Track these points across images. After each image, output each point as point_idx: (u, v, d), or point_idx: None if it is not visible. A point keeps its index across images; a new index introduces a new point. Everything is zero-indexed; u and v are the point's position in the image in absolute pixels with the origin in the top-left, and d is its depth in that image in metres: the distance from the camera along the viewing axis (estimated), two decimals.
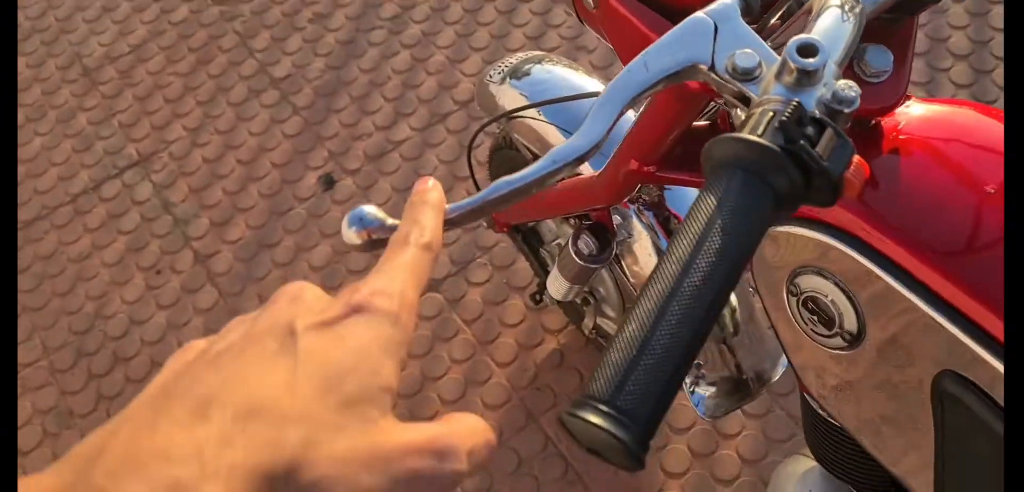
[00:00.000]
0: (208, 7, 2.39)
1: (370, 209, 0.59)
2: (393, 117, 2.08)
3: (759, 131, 0.51)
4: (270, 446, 0.33)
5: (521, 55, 1.37)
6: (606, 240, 1.19)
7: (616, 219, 1.21)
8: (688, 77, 0.62)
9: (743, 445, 1.57)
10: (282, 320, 0.38)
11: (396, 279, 0.41)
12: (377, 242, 0.58)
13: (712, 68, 0.60)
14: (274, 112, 2.13)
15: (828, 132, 0.51)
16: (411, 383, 1.69)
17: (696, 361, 1.32)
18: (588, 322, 1.53)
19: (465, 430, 0.38)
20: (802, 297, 0.82)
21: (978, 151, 0.75)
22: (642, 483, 1.56)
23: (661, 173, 0.96)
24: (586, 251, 1.20)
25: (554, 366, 1.70)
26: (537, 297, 1.47)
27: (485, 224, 1.37)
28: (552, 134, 1.27)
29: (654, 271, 0.49)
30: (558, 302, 1.38)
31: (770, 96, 0.54)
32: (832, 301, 0.79)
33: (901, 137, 0.77)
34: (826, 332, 0.81)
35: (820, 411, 0.99)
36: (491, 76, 1.36)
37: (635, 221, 1.22)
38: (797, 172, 0.50)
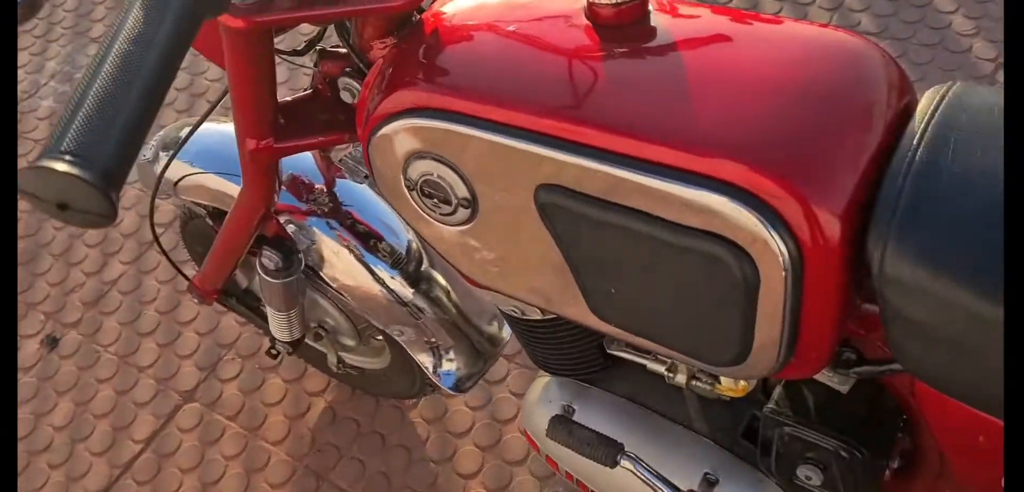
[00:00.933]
0: None
1: None
2: (102, 260, 2.00)
3: None
4: None
5: (166, 128, 1.38)
6: (288, 248, 1.20)
7: (292, 229, 1.22)
8: None
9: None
10: None
11: None
12: None
13: None
14: None
15: None
16: None
17: (435, 343, 1.34)
18: (332, 359, 1.52)
19: None
20: (419, 185, 0.86)
21: (499, 11, 0.84)
22: None
23: (280, 144, 0.98)
24: (273, 265, 1.20)
25: (329, 423, 1.67)
26: (272, 350, 1.44)
27: (195, 300, 1.34)
28: (216, 182, 1.27)
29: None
30: (291, 346, 1.36)
31: None
32: (439, 176, 0.84)
33: (439, 22, 0.86)
34: (449, 209, 0.86)
35: (517, 318, 1.03)
36: (146, 156, 1.35)
37: (314, 229, 1.24)
38: None
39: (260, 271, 1.22)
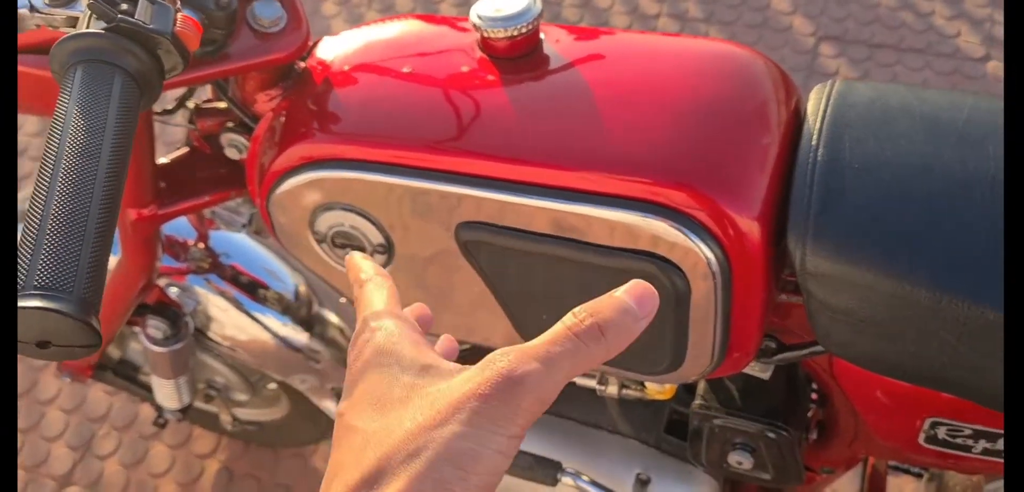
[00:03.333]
0: None
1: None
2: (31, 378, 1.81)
3: (85, 26, 0.55)
4: None
5: (21, 198, 1.25)
6: (174, 314, 1.12)
7: (173, 292, 1.15)
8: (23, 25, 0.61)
9: None
10: None
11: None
12: None
13: (32, 9, 0.61)
14: None
15: (141, 2, 0.55)
16: None
17: (340, 388, 1.29)
18: (226, 419, 1.44)
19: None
20: (329, 237, 0.82)
21: (388, 51, 0.82)
22: None
23: (163, 210, 0.92)
24: (160, 335, 1.12)
25: (226, 484, 1.59)
26: (159, 420, 1.35)
27: (67, 379, 1.24)
28: None
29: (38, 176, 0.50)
30: (181, 412, 1.28)
31: None
32: (351, 226, 0.81)
33: (327, 70, 0.83)
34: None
35: None
36: None
37: (196, 288, 1.17)
38: (130, 42, 0.54)
39: (146, 341, 1.14)
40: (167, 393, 1.23)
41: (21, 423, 1.69)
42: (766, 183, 0.72)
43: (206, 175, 0.94)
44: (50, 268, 0.46)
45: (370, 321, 0.43)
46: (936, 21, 2.12)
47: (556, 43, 0.79)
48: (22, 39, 0.76)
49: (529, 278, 0.78)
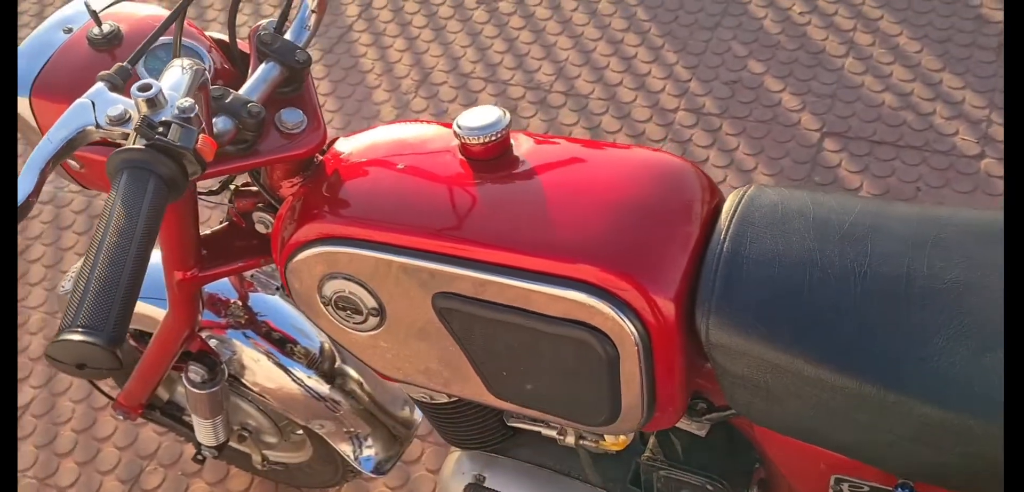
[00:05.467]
0: None
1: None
2: (90, 417, 2.04)
3: (131, 143, 0.77)
4: None
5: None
6: (211, 361, 1.31)
7: (213, 343, 1.34)
8: (85, 140, 0.83)
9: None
10: None
11: None
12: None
13: (97, 126, 0.82)
14: None
15: (173, 126, 0.77)
16: None
17: (354, 433, 1.46)
18: (256, 458, 1.62)
19: None
20: (333, 301, 1.00)
21: (389, 150, 1.02)
22: None
23: (204, 273, 1.11)
24: (199, 379, 1.31)
25: None
26: (198, 456, 1.54)
27: (120, 417, 1.44)
28: (138, 306, 1.38)
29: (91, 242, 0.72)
30: (217, 449, 1.47)
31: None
32: (350, 292, 0.99)
33: (338, 164, 1.02)
34: (361, 319, 1.00)
35: (426, 403, 1.18)
36: (64, 287, 1.45)
37: (233, 341, 1.36)
38: (161, 155, 0.75)
39: (186, 384, 1.33)
40: (205, 431, 1.42)
41: (79, 457, 1.89)
42: (682, 270, 0.88)
43: (241, 245, 1.14)
44: (91, 312, 0.68)
45: None
46: (936, 120, 2.25)
47: (522, 149, 0.97)
48: (85, 153, 0.98)
49: (492, 340, 0.95)
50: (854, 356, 0.81)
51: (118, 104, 0.81)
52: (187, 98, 0.79)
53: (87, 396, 1.98)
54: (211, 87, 0.93)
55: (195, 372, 1.30)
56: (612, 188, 0.92)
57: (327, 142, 1.04)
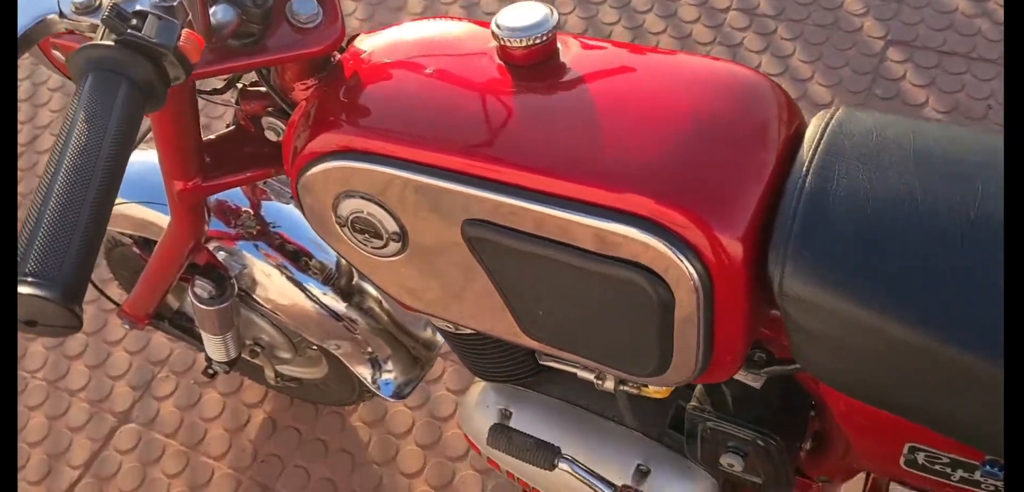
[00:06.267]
0: None
1: None
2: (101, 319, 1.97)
3: (99, 38, 0.61)
4: None
5: None
6: (220, 276, 1.21)
7: (222, 255, 1.24)
8: (47, 31, 0.69)
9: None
10: None
11: None
12: None
13: (61, 14, 0.68)
14: None
15: (150, 18, 0.62)
16: None
17: (372, 354, 1.37)
18: (270, 373, 1.54)
19: None
20: (350, 221, 0.89)
21: (416, 51, 0.87)
22: None
23: (206, 183, 1.00)
24: (206, 294, 1.21)
25: (269, 434, 1.69)
26: (209, 370, 1.46)
27: (127, 326, 1.35)
28: (141, 211, 1.27)
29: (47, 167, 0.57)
30: (228, 364, 1.38)
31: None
32: (369, 213, 0.87)
33: (359, 66, 0.88)
34: (380, 243, 0.89)
35: (450, 333, 1.07)
36: None
37: (244, 253, 1.25)
38: (136, 55, 0.60)
39: (193, 299, 1.23)
40: (215, 347, 1.32)
41: (90, 360, 1.83)
42: (754, 204, 0.75)
43: (249, 152, 1.02)
44: (41, 256, 0.53)
45: None
46: None
47: (570, 55, 0.84)
48: (56, 41, 0.85)
49: (527, 276, 0.83)
50: (953, 320, 0.68)
51: None
52: None
53: (96, 299, 1.90)
54: None
55: (202, 287, 1.20)
56: (673, 104, 0.78)
57: (346, 38, 0.91)
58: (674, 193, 0.74)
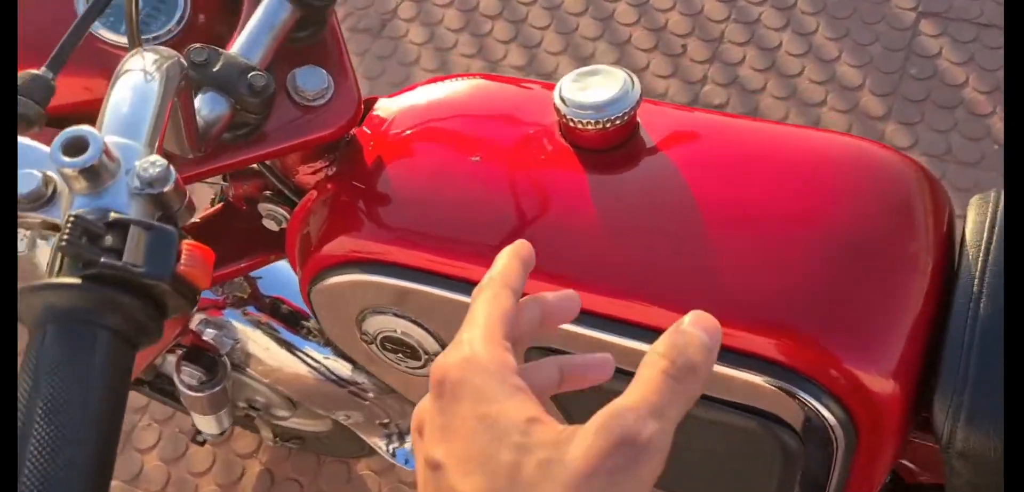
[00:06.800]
0: None
1: None
2: None
3: (57, 269, 0.42)
4: None
5: None
6: (210, 360, 1.04)
7: (210, 333, 1.06)
8: None
9: None
10: None
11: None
12: None
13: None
14: None
15: (133, 232, 0.42)
16: None
17: (387, 422, 1.21)
18: (267, 434, 1.37)
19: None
20: (378, 340, 0.72)
21: (454, 123, 0.70)
22: None
23: None
24: (195, 382, 1.04)
25: (267, 489, 1.53)
26: (198, 438, 1.29)
27: None
28: None
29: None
30: (220, 434, 1.21)
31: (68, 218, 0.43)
32: (403, 332, 0.70)
33: (381, 143, 0.70)
34: (418, 364, 0.72)
35: None
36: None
37: (235, 324, 1.08)
38: (117, 295, 0.41)
39: (181, 387, 1.05)
40: (208, 424, 1.16)
41: None
42: (908, 334, 0.59)
43: (242, 233, 0.84)
44: None
45: (465, 346, 0.39)
46: None
47: (656, 133, 0.66)
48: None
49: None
50: None
51: (32, 167, 0.46)
52: (153, 157, 0.45)
53: None
54: (192, 49, 0.61)
55: (189, 376, 1.03)
56: (798, 203, 0.61)
57: (364, 107, 0.73)
58: (810, 327, 0.58)
